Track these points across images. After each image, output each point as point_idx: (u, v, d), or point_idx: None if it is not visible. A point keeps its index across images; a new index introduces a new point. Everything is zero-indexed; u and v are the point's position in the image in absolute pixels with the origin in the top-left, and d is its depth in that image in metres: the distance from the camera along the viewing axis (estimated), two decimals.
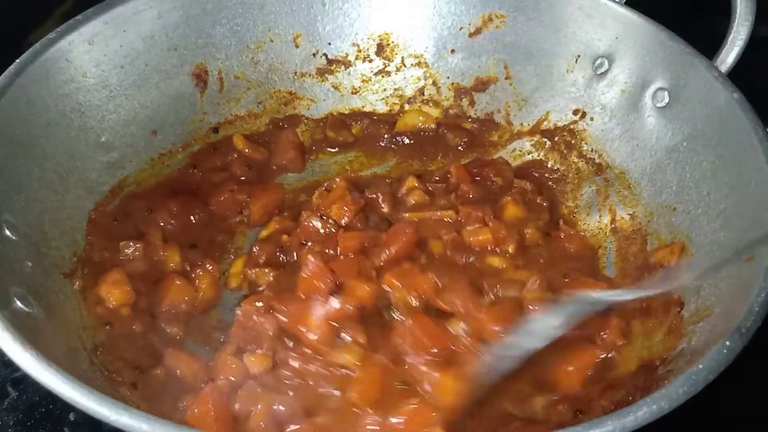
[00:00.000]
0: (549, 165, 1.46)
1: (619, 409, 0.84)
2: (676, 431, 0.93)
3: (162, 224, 1.31)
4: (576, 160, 1.43)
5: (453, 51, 1.49)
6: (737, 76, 1.22)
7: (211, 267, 1.26)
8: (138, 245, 1.25)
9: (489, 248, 1.28)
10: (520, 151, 1.49)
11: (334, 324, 1.11)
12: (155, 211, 1.31)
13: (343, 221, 1.29)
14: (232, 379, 1.10)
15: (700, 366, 0.86)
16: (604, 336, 1.16)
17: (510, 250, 1.27)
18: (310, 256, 1.18)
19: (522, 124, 1.49)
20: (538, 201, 1.38)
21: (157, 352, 1.15)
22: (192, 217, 1.34)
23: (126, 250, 1.25)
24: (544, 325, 1.06)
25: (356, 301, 1.12)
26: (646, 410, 0.81)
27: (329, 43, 1.50)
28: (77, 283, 1.17)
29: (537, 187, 1.40)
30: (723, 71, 1.25)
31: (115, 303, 1.17)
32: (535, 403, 1.11)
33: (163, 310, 1.20)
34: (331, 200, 1.32)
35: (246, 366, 1.11)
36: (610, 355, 1.14)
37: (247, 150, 1.45)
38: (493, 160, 1.47)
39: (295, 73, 1.51)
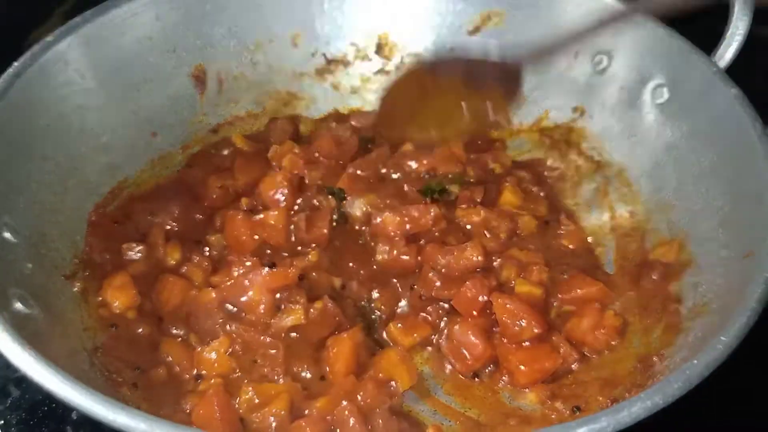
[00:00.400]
0: (549, 163, 1.46)
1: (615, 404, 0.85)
2: (674, 427, 0.92)
3: (165, 227, 1.31)
4: (575, 157, 1.43)
5: (452, 49, 1.49)
6: (736, 75, 1.21)
7: (202, 260, 1.25)
8: (141, 247, 1.25)
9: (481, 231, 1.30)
10: (520, 149, 1.49)
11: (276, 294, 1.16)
12: (156, 215, 1.31)
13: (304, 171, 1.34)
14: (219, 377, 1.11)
15: (695, 361, 0.86)
16: (599, 335, 1.16)
17: (502, 237, 1.28)
18: (234, 213, 1.24)
19: (521, 123, 1.49)
20: (535, 191, 1.38)
21: (159, 352, 1.16)
22: (194, 218, 1.34)
23: (129, 252, 1.25)
24: None
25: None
26: (640, 406, 0.81)
27: (328, 43, 1.50)
28: (77, 284, 1.17)
29: (535, 179, 1.40)
30: (721, 67, 1.25)
31: (121, 307, 1.17)
32: (528, 397, 1.11)
33: (167, 311, 1.20)
34: (282, 153, 1.36)
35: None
36: (573, 366, 1.15)
37: (246, 148, 1.45)
38: (493, 144, 1.47)
39: (294, 73, 1.51)
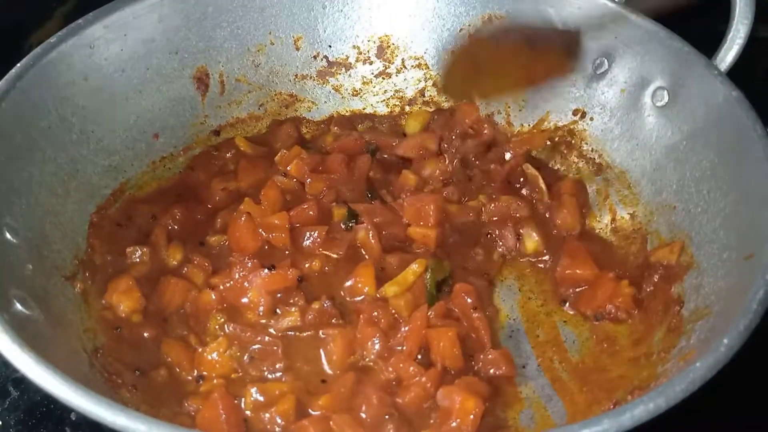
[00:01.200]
0: (549, 165, 1.46)
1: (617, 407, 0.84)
2: (675, 428, 0.92)
3: (167, 228, 1.31)
4: (576, 160, 1.43)
5: (453, 52, 1.50)
6: (736, 76, 1.21)
7: (202, 261, 1.25)
8: (145, 249, 1.25)
9: None
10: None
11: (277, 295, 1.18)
12: (158, 217, 1.32)
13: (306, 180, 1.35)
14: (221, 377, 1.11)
15: (698, 364, 0.85)
16: (618, 304, 1.18)
17: None
18: (238, 215, 1.25)
19: (522, 125, 1.49)
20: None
21: (160, 354, 1.16)
22: (195, 219, 1.33)
23: (133, 256, 1.25)
24: None
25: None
26: (642, 408, 0.81)
27: (330, 46, 1.51)
28: (78, 285, 1.17)
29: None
30: (722, 70, 1.25)
31: (126, 311, 1.17)
32: None
33: (170, 312, 1.20)
34: (289, 158, 1.37)
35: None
36: None
37: (249, 152, 1.45)
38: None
39: (296, 75, 1.51)
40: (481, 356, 1.15)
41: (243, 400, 1.07)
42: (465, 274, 1.28)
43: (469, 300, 1.19)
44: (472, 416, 1.02)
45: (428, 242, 1.29)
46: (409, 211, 1.31)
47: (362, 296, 1.22)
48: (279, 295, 1.18)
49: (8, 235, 1.07)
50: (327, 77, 1.52)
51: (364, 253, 1.28)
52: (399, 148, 1.44)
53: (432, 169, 1.40)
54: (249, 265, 1.19)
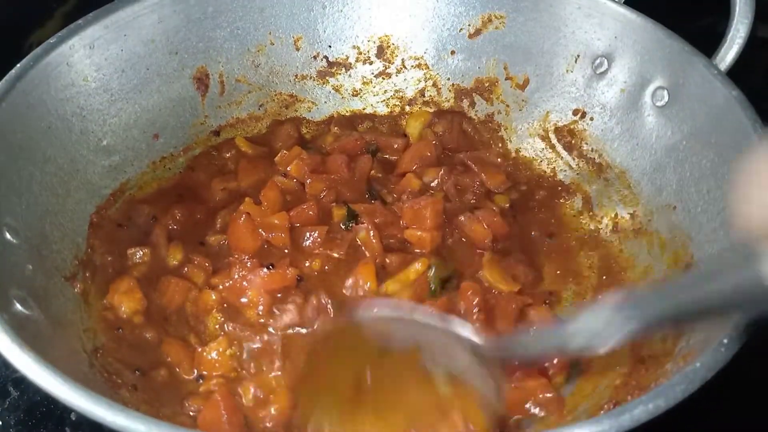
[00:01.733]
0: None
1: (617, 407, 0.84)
2: (676, 430, 0.92)
3: (168, 228, 1.31)
4: (576, 160, 1.43)
5: (453, 52, 1.50)
6: (736, 75, 1.21)
7: (202, 261, 1.25)
8: (145, 250, 1.26)
9: None
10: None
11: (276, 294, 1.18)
12: (159, 218, 1.32)
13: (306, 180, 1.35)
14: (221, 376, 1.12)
15: (698, 364, 0.85)
16: None
17: None
18: (238, 215, 1.25)
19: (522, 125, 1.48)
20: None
21: (162, 354, 1.16)
22: (195, 219, 1.34)
23: (134, 257, 1.25)
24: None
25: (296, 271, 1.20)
26: (642, 408, 0.81)
27: (330, 46, 1.51)
28: (78, 286, 1.17)
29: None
30: (722, 69, 1.25)
31: (128, 312, 1.18)
32: None
33: (171, 312, 1.21)
34: (290, 159, 1.38)
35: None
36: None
37: (249, 152, 1.45)
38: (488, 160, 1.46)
39: (296, 75, 1.51)
40: None
41: (243, 398, 1.08)
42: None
43: (474, 300, 1.19)
44: None
45: (424, 245, 1.28)
46: (407, 214, 1.30)
47: (363, 293, 1.21)
48: (278, 294, 1.19)
49: (8, 236, 1.07)
50: (327, 77, 1.53)
51: (364, 251, 1.28)
52: (398, 166, 1.43)
53: (432, 177, 1.40)
54: (249, 264, 1.19)
